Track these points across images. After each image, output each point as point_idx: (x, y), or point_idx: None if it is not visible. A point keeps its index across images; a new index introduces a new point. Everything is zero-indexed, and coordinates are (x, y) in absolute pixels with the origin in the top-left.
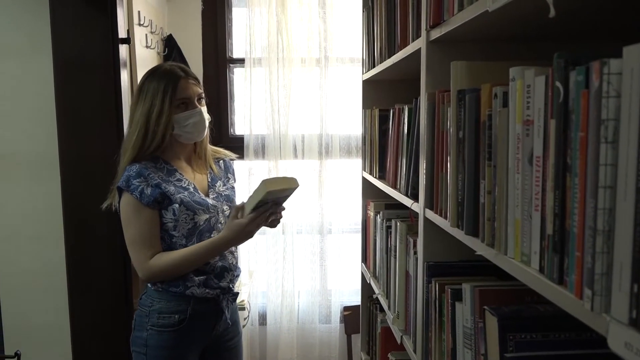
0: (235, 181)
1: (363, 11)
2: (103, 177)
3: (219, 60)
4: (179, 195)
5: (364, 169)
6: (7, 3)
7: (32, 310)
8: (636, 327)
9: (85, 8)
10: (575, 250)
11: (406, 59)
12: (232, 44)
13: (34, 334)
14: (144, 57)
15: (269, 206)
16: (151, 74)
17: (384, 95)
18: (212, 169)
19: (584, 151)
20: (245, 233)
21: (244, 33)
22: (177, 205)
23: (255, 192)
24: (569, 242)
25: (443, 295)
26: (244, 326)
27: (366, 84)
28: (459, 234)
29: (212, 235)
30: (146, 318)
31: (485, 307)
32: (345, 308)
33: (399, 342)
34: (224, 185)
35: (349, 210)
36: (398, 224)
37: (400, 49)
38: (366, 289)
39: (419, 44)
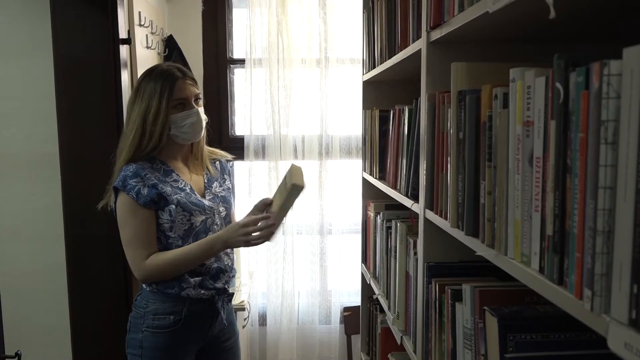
0: (231, 182)
1: (363, 12)
2: (103, 177)
3: (219, 60)
4: (175, 196)
5: (364, 169)
6: (7, 3)
7: (32, 310)
8: (636, 328)
9: (86, 9)
10: (575, 250)
11: (406, 60)
12: (232, 45)
13: (34, 334)
14: (145, 57)
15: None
16: (148, 74)
17: (384, 96)
18: (208, 170)
19: (584, 152)
20: (240, 234)
21: (244, 34)
22: (173, 206)
23: (282, 188)
24: (569, 242)
25: (443, 295)
26: (243, 327)
27: (366, 84)
28: (459, 235)
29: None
30: (141, 319)
31: (485, 307)
32: (345, 309)
33: (399, 342)
34: (220, 186)
35: (349, 210)
36: (398, 224)
37: (401, 50)
38: (366, 289)
39: (420, 44)
